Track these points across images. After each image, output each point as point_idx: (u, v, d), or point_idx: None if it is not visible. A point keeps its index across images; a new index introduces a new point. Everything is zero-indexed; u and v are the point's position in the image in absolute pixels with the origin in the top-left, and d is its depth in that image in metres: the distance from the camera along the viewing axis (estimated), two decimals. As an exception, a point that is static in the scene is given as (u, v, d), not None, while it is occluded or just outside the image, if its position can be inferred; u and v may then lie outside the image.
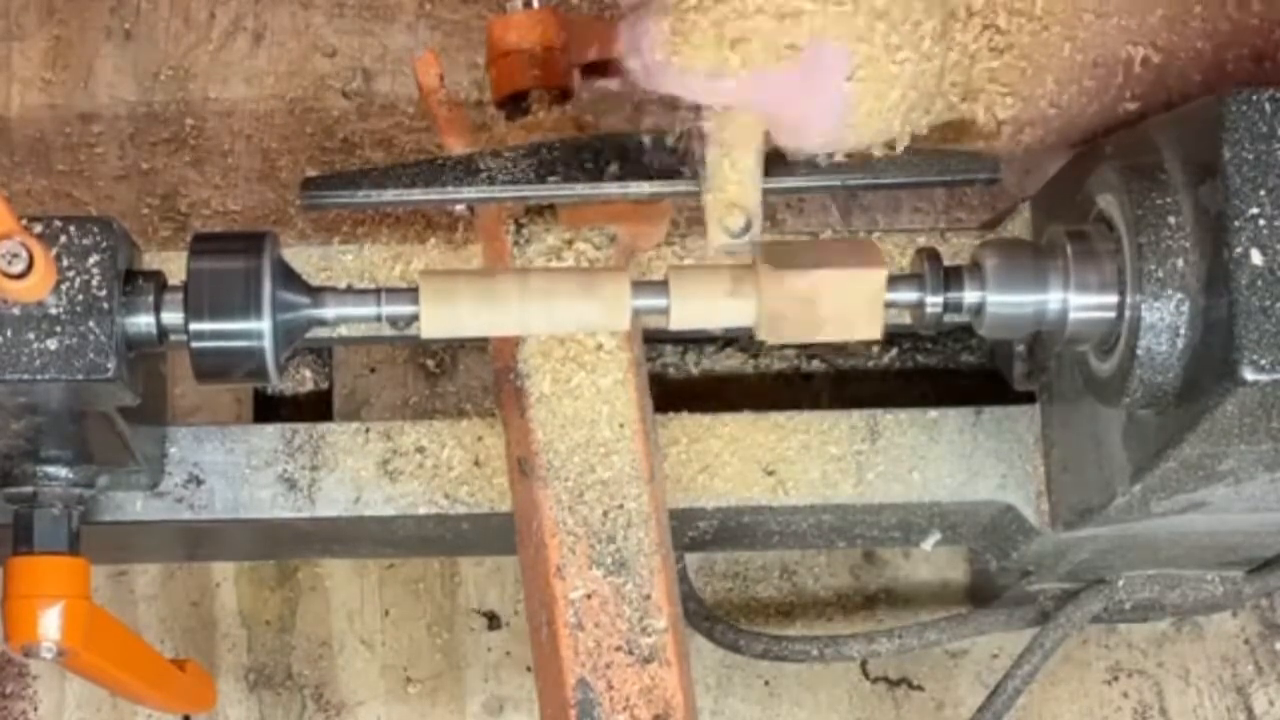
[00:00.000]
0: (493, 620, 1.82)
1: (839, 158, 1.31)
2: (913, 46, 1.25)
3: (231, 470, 1.55)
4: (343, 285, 1.52)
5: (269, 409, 1.72)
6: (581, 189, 1.35)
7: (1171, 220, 1.23)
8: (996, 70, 1.28)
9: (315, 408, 1.74)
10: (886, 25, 1.23)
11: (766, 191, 1.34)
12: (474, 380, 1.83)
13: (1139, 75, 1.30)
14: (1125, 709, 1.81)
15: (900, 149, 1.31)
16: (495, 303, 1.28)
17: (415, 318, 1.28)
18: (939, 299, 1.30)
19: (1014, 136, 1.31)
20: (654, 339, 1.63)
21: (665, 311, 1.28)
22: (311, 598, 1.81)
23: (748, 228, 1.30)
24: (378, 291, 1.29)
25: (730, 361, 1.73)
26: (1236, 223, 1.18)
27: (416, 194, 1.35)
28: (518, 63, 1.47)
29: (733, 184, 1.29)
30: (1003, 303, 1.29)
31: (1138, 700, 1.81)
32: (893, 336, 1.72)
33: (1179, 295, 1.22)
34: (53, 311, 1.25)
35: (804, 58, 1.24)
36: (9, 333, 1.25)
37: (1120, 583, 1.64)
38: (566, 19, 1.49)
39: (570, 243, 1.46)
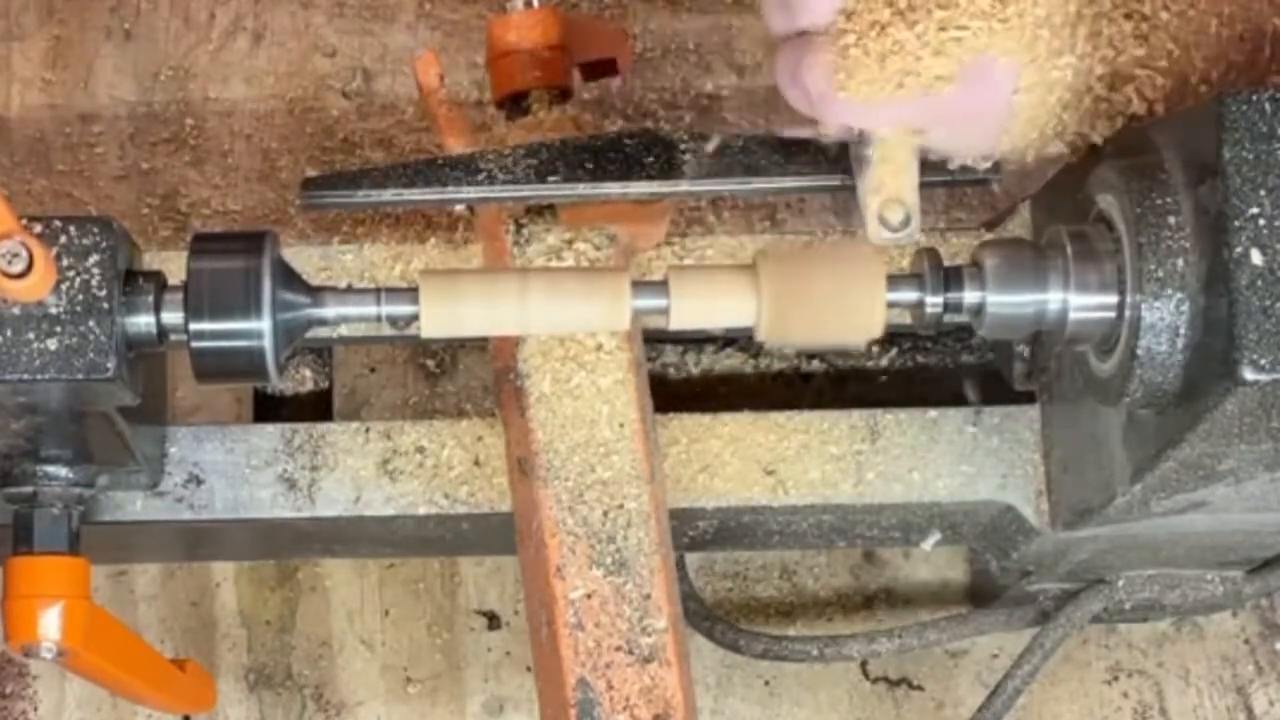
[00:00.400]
0: (493, 620, 1.82)
1: (989, 164, 1.32)
2: (1071, 49, 1.25)
3: (231, 470, 1.55)
4: (343, 285, 1.52)
5: (269, 409, 1.72)
6: (581, 189, 1.35)
7: (1171, 220, 1.23)
8: (1143, 57, 1.28)
9: (315, 408, 1.74)
10: (1049, 32, 1.24)
11: (767, 192, 1.34)
12: (474, 380, 1.83)
13: None
14: (1125, 709, 1.81)
15: (1054, 151, 1.31)
16: (495, 303, 1.27)
17: (415, 318, 1.28)
18: (939, 299, 1.30)
19: (1165, 111, 1.31)
20: (654, 339, 1.63)
21: (665, 311, 1.28)
22: (311, 598, 1.81)
23: (906, 222, 1.30)
24: (378, 291, 1.29)
25: (730, 361, 1.73)
26: (1236, 223, 1.18)
27: (416, 194, 1.35)
28: (518, 63, 1.47)
29: (891, 179, 1.29)
30: (1003, 303, 1.29)
31: (1138, 700, 1.81)
32: (893, 336, 1.72)
33: (1179, 295, 1.22)
34: (53, 311, 1.25)
35: (969, 76, 1.24)
36: (9, 333, 1.25)
37: (1120, 583, 1.64)
38: (566, 19, 1.49)
39: (570, 243, 1.46)
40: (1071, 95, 1.28)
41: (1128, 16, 1.27)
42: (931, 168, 1.33)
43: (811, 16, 1.25)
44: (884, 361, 1.74)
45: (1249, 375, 1.17)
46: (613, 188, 1.35)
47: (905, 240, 1.32)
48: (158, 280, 1.29)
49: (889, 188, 1.30)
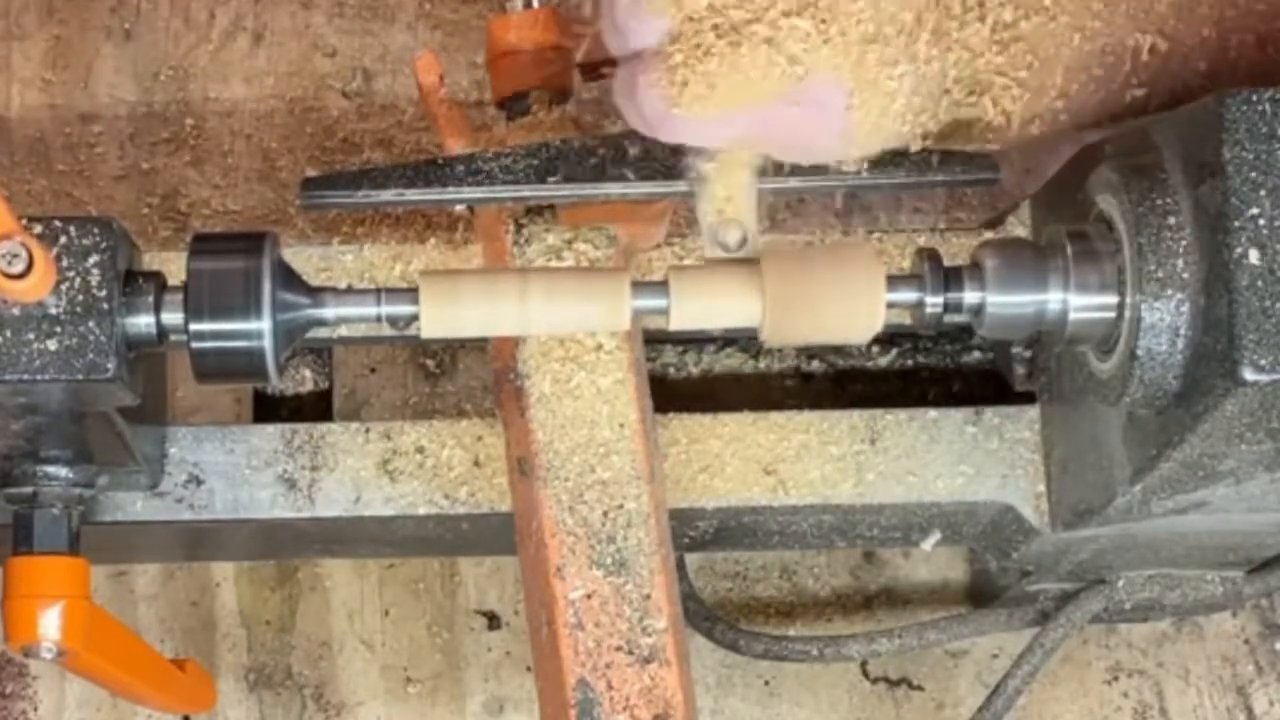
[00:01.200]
0: (493, 620, 1.82)
1: (846, 167, 1.32)
2: (909, 58, 1.25)
3: (231, 470, 1.55)
4: (343, 285, 1.52)
5: (269, 409, 1.73)
6: (581, 189, 1.35)
7: (1171, 220, 1.23)
8: (1003, 64, 1.28)
9: (315, 408, 1.74)
10: (880, 45, 1.24)
11: (766, 192, 1.34)
12: (474, 380, 1.83)
13: (1146, 63, 1.30)
14: (1125, 709, 1.81)
15: (914, 149, 1.31)
16: (495, 303, 1.28)
17: (415, 318, 1.28)
18: (939, 299, 1.30)
19: (1022, 129, 1.31)
20: (654, 339, 1.63)
21: (665, 311, 1.28)
22: (311, 598, 1.81)
23: (743, 242, 1.30)
24: (378, 291, 1.29)
25: (730, 361, 1.73)
26: (1236, 223, 1.18)
27: (416, 194, 1.35)
28: (518, 63, 1.47)
29: (728, 199, 1.30)
30: (1003, 303, 1.29)
31: (1138, 700, 1.81)
32: (893, 336, 1.72)
33: (1179, 295, 1.22)
34: (53, 311, 1.25)
35: (801, 96, 1.25)
36: (9, 333, 1.25)
37: (1120, 583, 1.64)
38: (566, 19, 1.49)
39: (570, 243, 1.46)
40: (922, 98, 1.28)
41: (982, 19, 1.27)
42: (932, 168, 1.33)
43: (641, 39, 1.26)
44: (884, 361, 1.74)
45: (1249, 375, 1.17)
46: (613, 188, 1.35)
47: (743, 255, 1.31)
48: (158, 280, 1.29)
49: (726, 206, 1.30)
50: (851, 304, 1.28)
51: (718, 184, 1.30)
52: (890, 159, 1.33)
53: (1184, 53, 1.30)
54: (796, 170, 1.33)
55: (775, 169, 1.32)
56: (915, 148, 1.31)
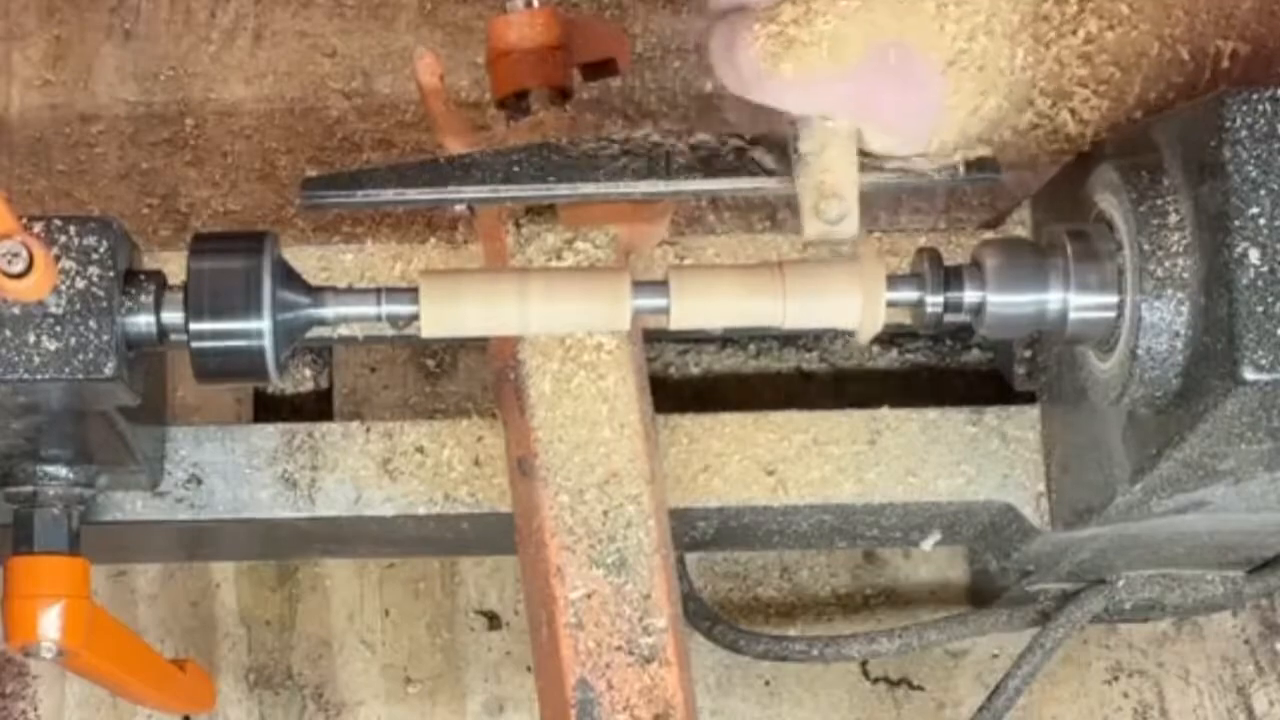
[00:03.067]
0: (493, 620, 1.82)
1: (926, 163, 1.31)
2: (1010, 59, 1.25)
3: (231, 470, 1.55)
4: (343, 285, 1.52)
5: (269, 409, 1.72)
6: (582, 189, 1.35)
7: (1171, 220, 1.23)
8: (1086, 76, 1.28)
9: (315, 408, 1.74)
10: (987, 38, 1.24)
11: (767, 192, 1.34)
12: (474, 380, 1.83)
13: (1226, 70, 1.29)
14: (1125, 709, 1.81)
15: (974, 153, 1.31)
16: (495, 303, 1.28)
17: (415, 317, 1.28)
18: (939, 299, 1.30)
19: (1097, 138, 1.30)
20: (654, 339, 1.63)
21: (665, 311, 1.28)
22: (311, 598, 1.81)
23: (844, 215, 1.29)
24: (378, 291, 1.29)
25: (730, 361, 1.73)
26: (1236, 222, 1.18)
27: (416, 194, 1.35)
28: (518, 63, 1.47)
29: (829, 172, 1.28)
30: (1003, 303, 1.29)
31: (1138, 700, 1.81)
32: (893, 336, 1.72)
33: (1179, 295, 1.22)
34: (53, 311, 1.25)
35: (898, 71, 1.24)
36: (9, 333, 1.25)
37: (1120, 583, 1.64)
38: (566, 19, 1.49)
39: (570, 243, 1.46)
40: (1010, 106, 1.28)
41: (1075, 32, 1.27)
42: (932, 168, 1.33)
43: None
44: (884, 362, 1.74)
45: (1249, 375, 1.17)
46: (613, 188, 1.35)
47: (841, 235, 1.29)
48: (158, 280, 1.29)
49: (826, 180, 1.29)
50: (850, 303, 1.28)
51: (820, 158, 1.28)
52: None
53: (1266, 56, 1.29)
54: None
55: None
56: (979, 152, 1.30)
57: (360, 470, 1.55)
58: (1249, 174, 1.18)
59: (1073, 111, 1.29)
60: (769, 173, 1.33)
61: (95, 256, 1.26)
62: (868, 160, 1.30)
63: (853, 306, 1.28)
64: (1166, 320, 1.23)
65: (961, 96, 1.26)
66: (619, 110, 1.88)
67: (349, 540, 1.64)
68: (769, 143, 1.33)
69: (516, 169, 1.35)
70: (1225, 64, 1.29)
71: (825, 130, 1.28)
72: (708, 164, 1.33)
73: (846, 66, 1.23)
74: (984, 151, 1.30)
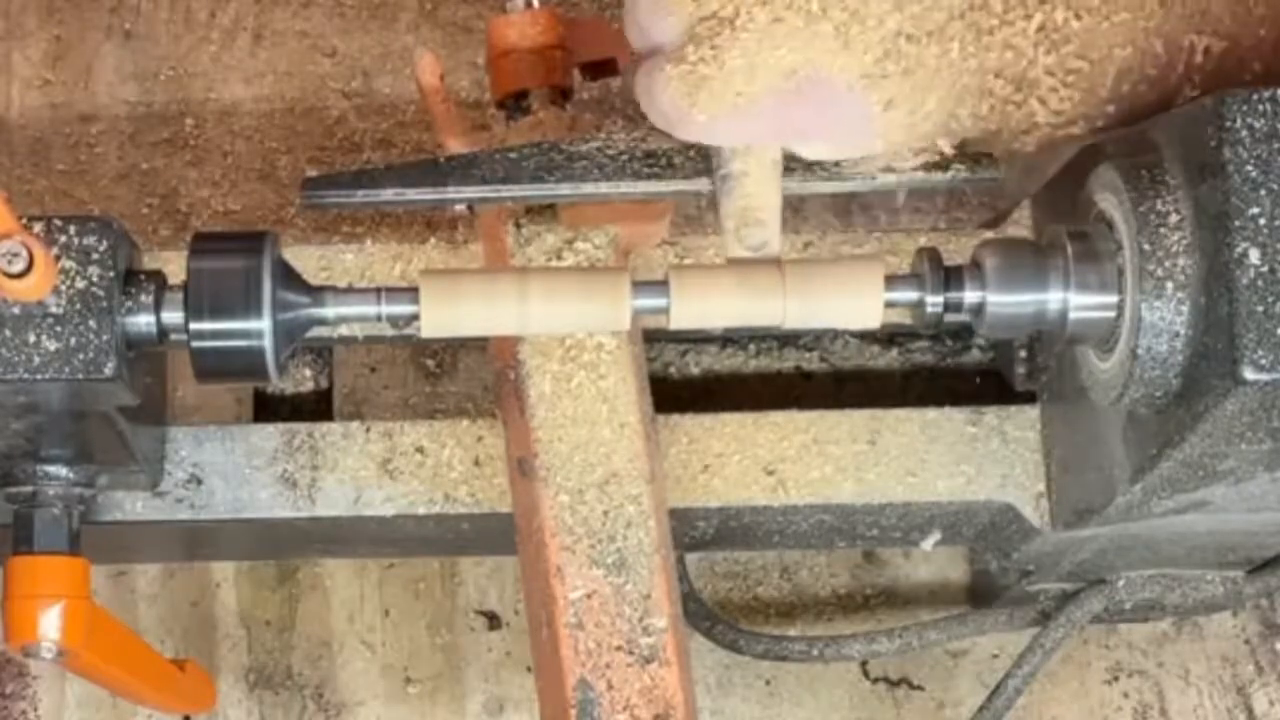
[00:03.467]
0: (493, 620, 1.82)
1: (873, 165, 1.32)
2: (940, 58, 1.25)
3: (231, 470, 1.55)
4: (343, 285, 1.52)
5: (269, 409, 1.72)
6: (582, 189, 1.35)
7: (1171, 220, 1.23)
8: (1052, 64, 1.27)
9: (315, 408, 1.74)
10: (906, 43, 1.24)
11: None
12: (474, 380, 1.83)
13: (1200, 64, 1.29)
14: (1125, 709, 1.81)
15: (948, 149, 1.31)
16: (495, 303, 1.27)
17: (415, 317, 1.28)
18: (939, 299, 1.30)
19: (1067, 130, 1.30)
20: (654, 339, 1.63)
21: (665, 311, 1.28)
22: (311, 598, 1.81)
23: (765, 241, 1.30)
24: (378, 291, 1.29)
25: (730, 361, 1.73)
26: (1236, 222, 1.18)
27: (416, 194, 1.35)
28: (518, 63, 1.47)
29: (751, 197, 1.29)
30: (1003, 302, 1.29)
31: (1138, 700, 1.81)
32: (893, 336, 1.72)
33: (1179, 295, 1.22)
34: (53, 311, 1.25)
35: (813, 93, 1.25)
36: (9, 333, 1.25)
37: (1120, 583, 1.64)
38: (566, 19, 1.49)
39: (570, 243, 1.46)
40: (958, 98, 1.27)
41: (1028, 18, 1.27)
42: (935, 166, 1.33)
43: (660, 35, 1.26)
44: (884, 361, 1.74)
45: (1249, 375, 1.17)
46: (613, 188, 1.35)
47: (765, 257, 1.30)
48: (158, 280, 1.29)
49: (749, 205, 1.30)
50: (850, 302, 1.28)
51: (741, 183, 1.29)
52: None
53: (1240, 53, 1.29)
54: (798, 171, 1.33)
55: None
56: (948, 146, 1.30)
57: (360, 470, 1.55)
58: (1249, 174, 1.18)
59: (1041, 100, 1.29)
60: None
61: (95, 256, 1.26)
62: (829, 169, 1.31)
63: (852, 306, 1.28)
64: (1166, 320, 1.23)
65: (893, 101, 1.26)
66: (619, 110, 1.88)
67: (349, 540, 1.64)
68: None
69: (516, 169, 1.35)
70: (1199, 59, 1.29)
71: (747, 156, 1.29)
72: (707, 164, 1.33)
73: (758, 97, 1.25)
74: (945, 145, 1.30)
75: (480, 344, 1.73)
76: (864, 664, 1.81)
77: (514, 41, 1.46)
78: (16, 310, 1.24)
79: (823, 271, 1.30)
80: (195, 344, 1.26)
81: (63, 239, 1.26)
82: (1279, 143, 1.18)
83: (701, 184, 1.34)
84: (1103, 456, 1.38)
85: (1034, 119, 1.29)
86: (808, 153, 1.30)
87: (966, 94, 1.27)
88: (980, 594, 1.79)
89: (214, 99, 1.89)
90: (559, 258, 1.45)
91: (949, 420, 1.56)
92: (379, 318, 1.29)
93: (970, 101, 1.28)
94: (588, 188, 1.35)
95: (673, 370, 1.72)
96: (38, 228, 1.25)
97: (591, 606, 1.41)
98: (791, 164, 1.31)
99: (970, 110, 1.28)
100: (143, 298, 1.27)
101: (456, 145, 1.43)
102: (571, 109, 1.47)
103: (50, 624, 1.40)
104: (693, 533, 1.60)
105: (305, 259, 1.54)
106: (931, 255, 1.31)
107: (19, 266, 1.20)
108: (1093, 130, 1.30)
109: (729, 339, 1.72)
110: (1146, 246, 1.23)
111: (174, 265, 1.32)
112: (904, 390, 1.72)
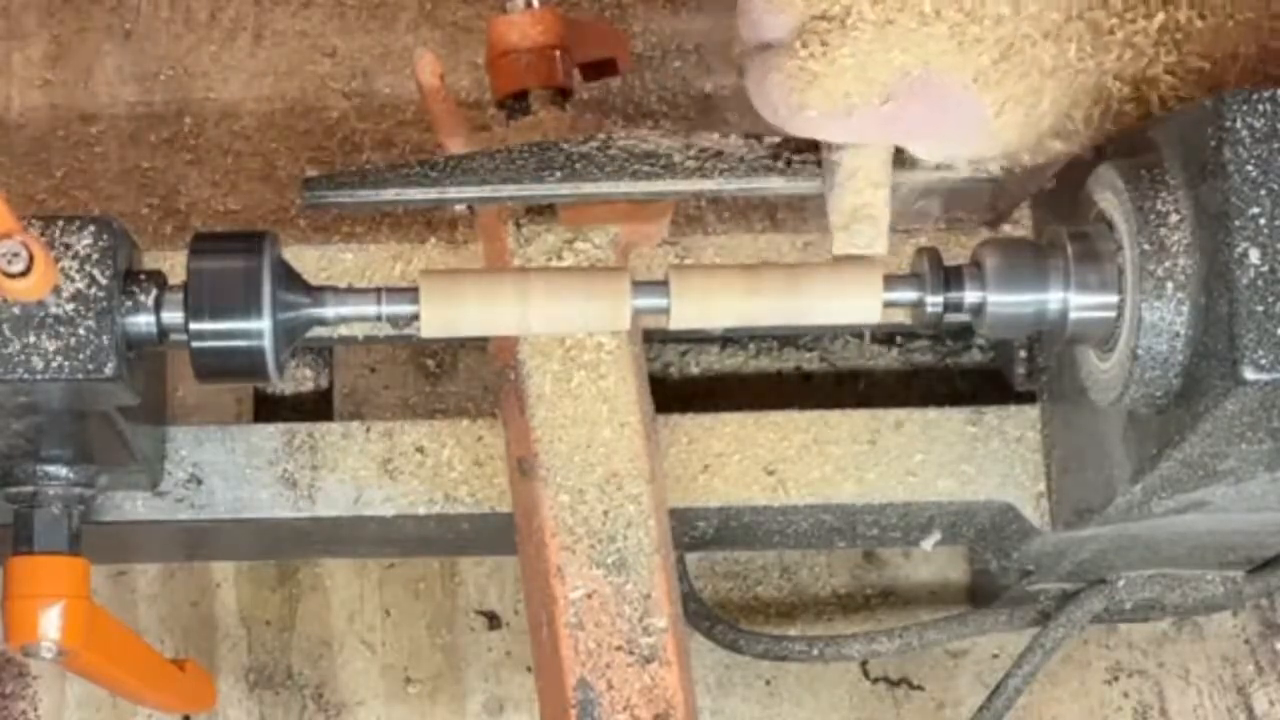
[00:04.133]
0: (493, 620, 1.82)
1: (992, 168, 1.31)
2: (1057, 60, 1.25)
3: (231, 470, 1.55)
4: (343, 285, 1.52)
5: (269, 409, 1.72)
6: (582, 189, 1.35)
7: (1171, 220, 1.23)
8: (1173, 64, 1.27)
9: (315, 408, 1.74)
10: (1027, 45, 1.24)
11: (768, 192, 1.34)
12: (474, 380, 1.83)
13: None
14: (1125, 709, 1.81)
15: (1069, 147, 1.30)
16: (495, 303, 1.28)
17: (415, 317, 1.28)
18: (939, 299, 1.30)
19: None
20: (654, 339, 1.63)
21: (665, 311, 1.28)
22: (311, 598, 1.81)
23: (874, 239, 1.30)
24: (378, 291, 1.29)
25: (730, 361, 1.73)
26: (1236, 222, 1.18)
27: (416, 194, 1.35)
28: (518, 63, 1.47)
29: (862, 194, 1.29)
30: (1003, 302, 1.29)
31: (1138, 700, 1.81)
32: (893, 336, 1.72)
33: (1179, 295, 1.22)
34: (53, 311, 1.25)
35: (925, 94, 1.25)
36: (9, 333, 1.25)
37: (1120, 583, 1.64)
38: (566, 19, 1.49)
39: (570, 243, 1.46)
40: (1073, 99, 1.28)
41: (1149, 17, 1.26)
42: (936, 166, 1.33)
43: (773, 31, 1.26)
44: (884, 361, 1.74)
45: (1249, 375, 1.17)
46: (613, 188, 1.35)
47: (872, 253, 1.31)
48: (158, 280, 1.29)
49: (860, 203, 1.30)
50: (850, 303, 1.28)
51: (853, 181, 1.29)
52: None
53: None
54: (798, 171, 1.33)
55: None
56: (1074, 146, 1.29)
57: (360, 470, 1.55)
58: (1249, 174, 1.18)
59: (1162, 100, 1.28)
60: (778, 172, 1.33)
61: (95, 256, 1.26)
62: (940, 168, 1.31)
63: (853, 306, 1.28)
64: (1166, 320, 1.23)
65: (1007, 102, 1.26)
66: (619, 110, 1.88)
67: (349, 540, 1.64)
68: (794, 146, 1.34)
69: (516, 169, 1.35)
70: None
71: (860, 154, 1.28)
72: (708, 164, 1.33)
73: (872, 97, 1.25)
74: (1058, 146, 1.30)
75: (480, 344, 1.73)
76: (864, 664, 1.81)
77: (514, 41, 1.47)
78: (16, 310, 1.24)
79: (823, 272, 1.30)
80: (195, 344, 1.26)
81: (63, 239, 1.26)
82: (1279, 143, 1.18)
83: (703, 185, 1.34)
84: (1103, 456, 1.38)
85: (1150, 118, 1.28)
86: (921, 152, 1.30)
87: (1083, 95, 1.27)
88: (980, 594, 1.79)
89: (214, 99, 1.89)
90: (559, 258, 1.45)
91: (949, 420, 1.56)
92: (379, 318, 1.29)
93: (1085, 103, 1.28)
94: (588, 188, 1.35)
95: (673, 370, 1.72)
96: (38, 228, 1.25)
97: (591, 606, 1.41)
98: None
99: (1084, 112, 1.28)
100: (143, 298, 1.27)
101: (456, 145, 1.43)
102: (571, 109, 1.47)
103: (50, 624, 1.40)
104: (693, 533, 1.60)
105: (305, 259, 1.54)
106: (931, 255, 1.31)
107: (19, 266, 1.20)
108: None
109: (729, 339, 1.72)
110: (1146, 246, 1.23)
111: (174, 265, 1.32)
112: (904, 390, 1.72)
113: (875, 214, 1.30)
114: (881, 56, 1.24)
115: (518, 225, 1.46)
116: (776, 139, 1.34)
